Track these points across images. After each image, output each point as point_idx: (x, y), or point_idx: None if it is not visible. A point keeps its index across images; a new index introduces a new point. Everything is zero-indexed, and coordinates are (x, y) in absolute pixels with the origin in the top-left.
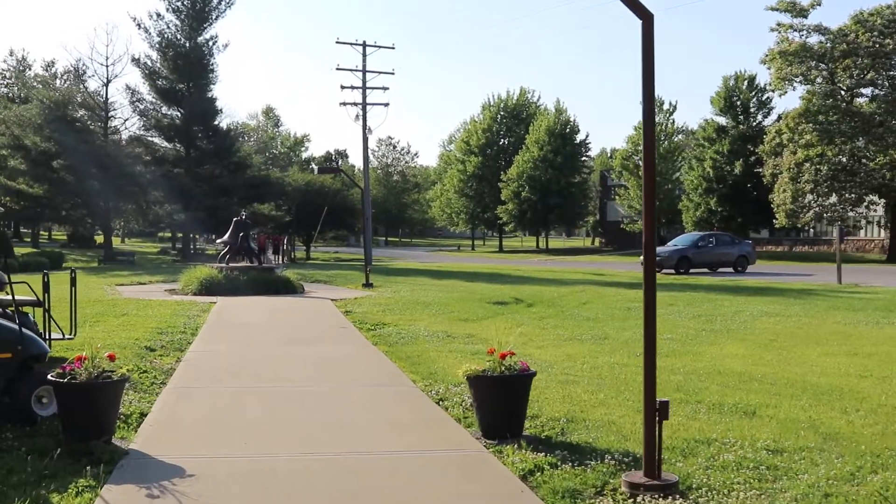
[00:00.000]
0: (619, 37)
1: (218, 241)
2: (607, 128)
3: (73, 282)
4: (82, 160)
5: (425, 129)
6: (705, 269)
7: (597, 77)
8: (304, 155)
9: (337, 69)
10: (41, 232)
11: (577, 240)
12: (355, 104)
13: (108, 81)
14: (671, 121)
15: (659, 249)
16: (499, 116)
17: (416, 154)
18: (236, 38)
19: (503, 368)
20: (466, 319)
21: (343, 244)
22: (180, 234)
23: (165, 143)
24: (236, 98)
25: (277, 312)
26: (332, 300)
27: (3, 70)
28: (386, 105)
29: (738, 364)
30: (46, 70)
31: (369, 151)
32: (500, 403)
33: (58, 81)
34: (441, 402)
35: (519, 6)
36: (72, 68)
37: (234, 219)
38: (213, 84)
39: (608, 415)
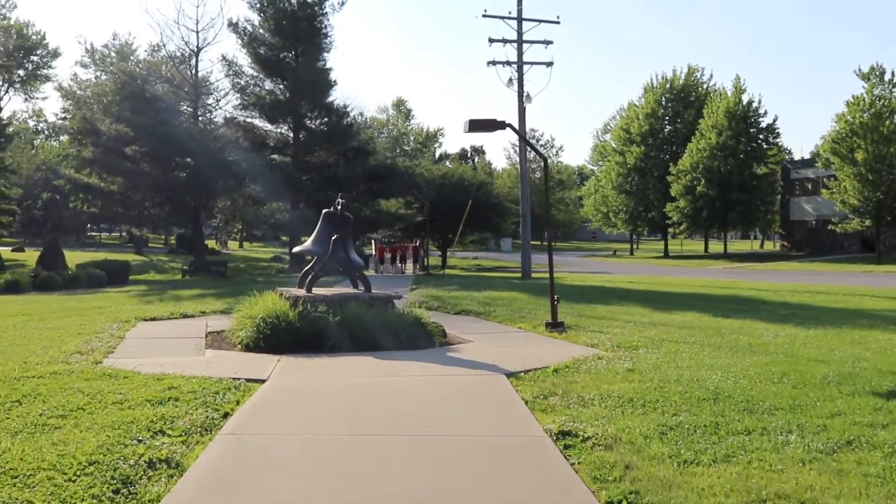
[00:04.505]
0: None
1: (296, 248)
2: (786, 115)
3: None
4: (165, 146)
5: (570, 121)
6: None
7: (769, 57)
8: (438, 151)
9: (484, 16)
10: (150, 235)
11: (736, 242)
12: (508, 63)
13: (199, 50)
14: None
15: None
16: (664, 99)
17: (560, 148)
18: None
19: None
20: None
21: (482, 248)
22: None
23: (268, 125)
24: (361, 87)
25: (391, 444)
26: (506, 375)
27: (106, 56)
28: (549, 65)
29: None
30: (152, 55)
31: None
32: None
33: (163, 69)
34: None
35: None
36: (178, 52)
37: (324, 211)
38: (327, 52)
39: None
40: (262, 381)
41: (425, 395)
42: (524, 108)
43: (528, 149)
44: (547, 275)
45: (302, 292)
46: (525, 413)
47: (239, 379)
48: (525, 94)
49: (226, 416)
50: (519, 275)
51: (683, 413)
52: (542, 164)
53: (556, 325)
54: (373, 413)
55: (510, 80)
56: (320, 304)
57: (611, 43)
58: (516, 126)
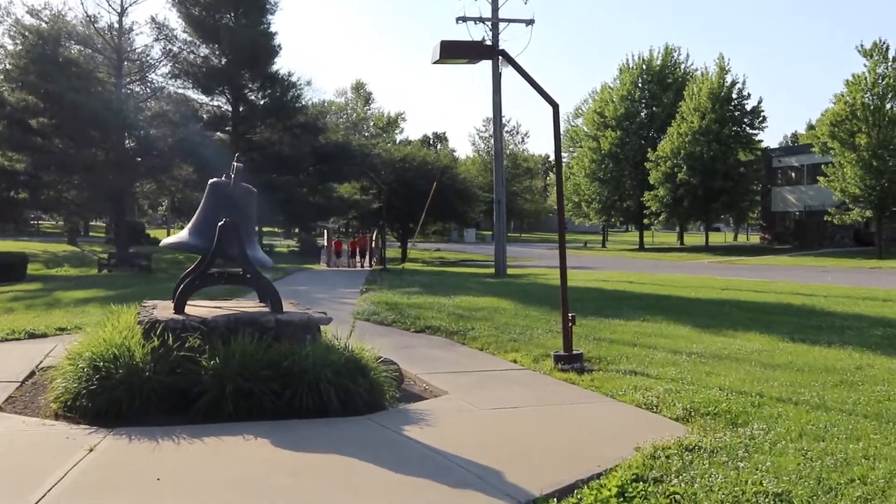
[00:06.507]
0: None
1: (165, 240)
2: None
3: None
4: (79, 119)
5: (534, 108)
6: None
7: (737, 40)
8: (399, 137)
9: None
10: (99, 223)
11: (696, 235)
12: (481, 20)
13: (123, 10)
14: None
15: None
16: (640, 81)
17: (526, 134)
18: None
19: None
20: None
21: (444, 239)
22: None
23: (203, 97)
24: (316, 66)
25: None
26: None
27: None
28: (529, 23)
29: None
30: (89, 26)
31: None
32: None
33: (80, 29)
34: None
35: None
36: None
37: (212, 181)
38: (271, 14)
39: None
40: None
41: None
42: (500, 74)
43: (506, 130)
44: (526, 272)
45: (168, 311)
46: None
47: None
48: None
49: None
50: (491, 270)
51: None
52: (508, 149)
53: (571, 360)
54: None
55: (483, 39)
56: (192, 335)
57: (577, 26)
58: (492, 95)
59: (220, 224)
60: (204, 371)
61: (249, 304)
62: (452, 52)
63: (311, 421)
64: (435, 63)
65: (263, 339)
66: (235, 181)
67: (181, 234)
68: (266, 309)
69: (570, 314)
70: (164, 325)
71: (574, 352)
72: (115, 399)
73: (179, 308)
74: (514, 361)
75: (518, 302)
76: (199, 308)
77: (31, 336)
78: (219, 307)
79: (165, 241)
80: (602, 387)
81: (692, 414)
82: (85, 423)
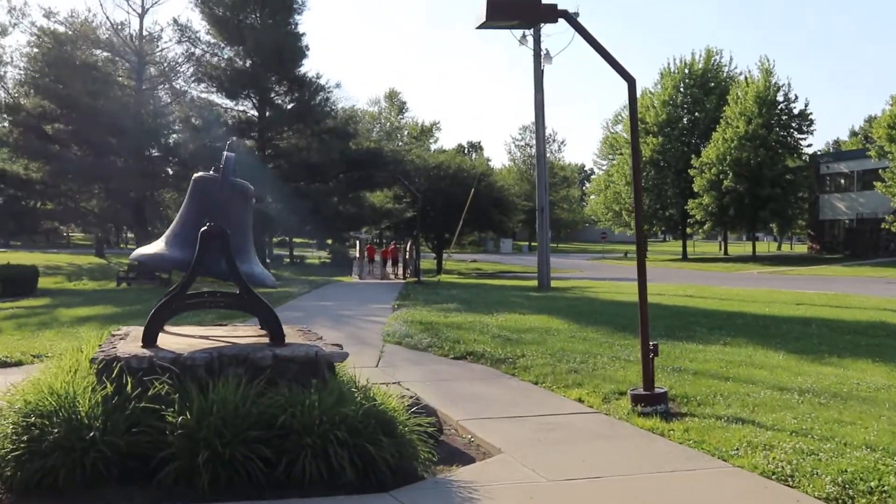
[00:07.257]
0: None
1: (136, 252)
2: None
3: None
4: (97, 125)
5: (571, 117)
6: None
7: (775, 41)
8: (433, 147)
9: None
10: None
11: (737, 244)
12: None
13: (144, 11)
14: None
15: None
16: (682, 85)
17: (563, 143)
18: None
19: None
20: None
21: (480, 249)
22: (275, 239)
23: (227, 101)
24: (349, 74)
25: None
26: None
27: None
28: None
29: None
30: (115, 33)
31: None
32: None
33: (100, 32)
34: None
35: None
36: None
37: (196, 176)
38: (298, 14)
39: None
40: None
41: None
42: (542, 71)
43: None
44: (571, 284)
45: (135, 344)
46: None
47: None
48: (544, 53)
49: None
50: (533, 283)
51: None
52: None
53: (654, 401)
54: None
55: (524, 35)
56: (159, 379)
57: (621, 23)
58: (534, 94)
59: (202, 230)
60: (171, 430)
61: (247, 333)
62: (501, 12)
63: (313, 501)
64: (479, 27)
65: (255, 384)
66: (225, 176)
67: (157, 244)
68: (264, 340)
69: (653, 344)
70: (124, 363)
71: (657, 390)
72: (48, 468)
73: (149, 339)
74: (580, 401)
75: (571, 321)
76: (181, 337)
77: (3, 365)
78: (205, 336)
79: (136, 253)
80: (704, 441)
81: (849, 492)
82: (8, 502)
